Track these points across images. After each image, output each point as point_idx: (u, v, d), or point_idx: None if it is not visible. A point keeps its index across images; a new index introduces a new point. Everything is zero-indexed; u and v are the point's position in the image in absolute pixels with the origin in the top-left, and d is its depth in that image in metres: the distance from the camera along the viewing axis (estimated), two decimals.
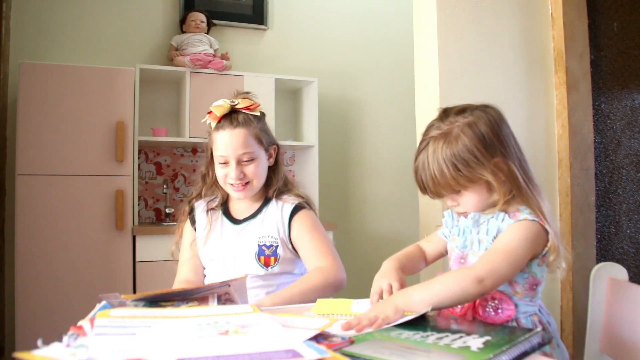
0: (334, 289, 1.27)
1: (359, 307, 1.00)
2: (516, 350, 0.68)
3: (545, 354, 0.74)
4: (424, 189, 1.02)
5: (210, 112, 1.36)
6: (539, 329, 0.78)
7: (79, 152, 2.47)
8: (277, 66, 3.30)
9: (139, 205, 2.92)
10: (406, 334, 0.76)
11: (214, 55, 2.94)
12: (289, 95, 3.34)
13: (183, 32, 3.01)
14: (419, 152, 1.02)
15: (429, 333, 0.76)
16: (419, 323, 0.82)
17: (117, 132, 2.52)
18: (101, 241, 2.48)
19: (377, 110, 3.59)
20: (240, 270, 1.33)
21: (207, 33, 3.02)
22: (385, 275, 1.05)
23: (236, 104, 1.35)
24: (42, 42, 2.82)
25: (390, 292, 1.00)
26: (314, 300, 1.08)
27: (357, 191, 3.54)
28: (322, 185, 3.17)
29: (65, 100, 2.47)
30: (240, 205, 1.43)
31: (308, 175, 3.16)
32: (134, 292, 2.48)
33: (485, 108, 1.02)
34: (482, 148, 0.96)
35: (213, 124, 1.37)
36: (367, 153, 3.57)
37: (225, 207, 1.45)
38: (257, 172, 1.35)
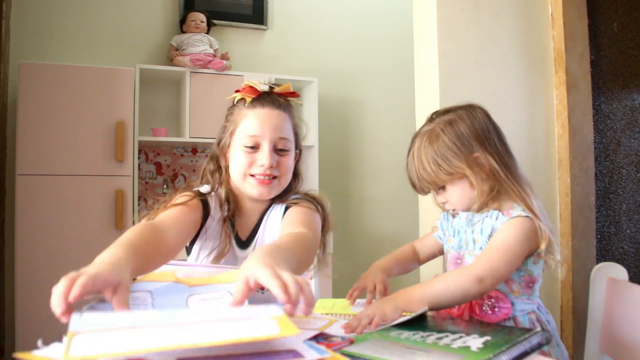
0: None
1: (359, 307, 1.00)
2: (516, 350, 0.68)
3: (544, 353, 0.74)
4: (413, 186, 1.08)
5: (244, 88, 1.14)
6: (539, 328, 0.78)
7: (79, 152, 2.47)
8: (277, 66, 3.30)
9: (139, 205, 2.92)
10: (406, 334, 0.76)
11: (214, 55, 2.94)
12: None
13: (183, 32, 3.00)
14: (408, 151, 1.08)
15: (428, 333, 0.76)
16: (419, 323, 0.82)
17: (117, 132, 2.52)
18: (101, 241, 2.44)
19: (377, 110, 3.59)
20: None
21: (207, 33, 3.02)
22: (371, 275, 1.11)
23: (274, 88, 1.18)
24: (42, 42, 2.81)
25: (373, 292, 1.06)
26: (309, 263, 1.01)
27: (357, 191, 3.53)
28: (322, 185, 3.17)
29: (65, 100, 2.46)
30: (246, 217, 1.18)
31: (308, 175, 3.15)
32: None
33: (468, 107, 1.06)
34: (460, 144, 1.01)
35: (248, 100, 1.13)
36: (367, 153, 3.56)
37: (232, 223, 1.16)
38: (288, 167, 1.14)
